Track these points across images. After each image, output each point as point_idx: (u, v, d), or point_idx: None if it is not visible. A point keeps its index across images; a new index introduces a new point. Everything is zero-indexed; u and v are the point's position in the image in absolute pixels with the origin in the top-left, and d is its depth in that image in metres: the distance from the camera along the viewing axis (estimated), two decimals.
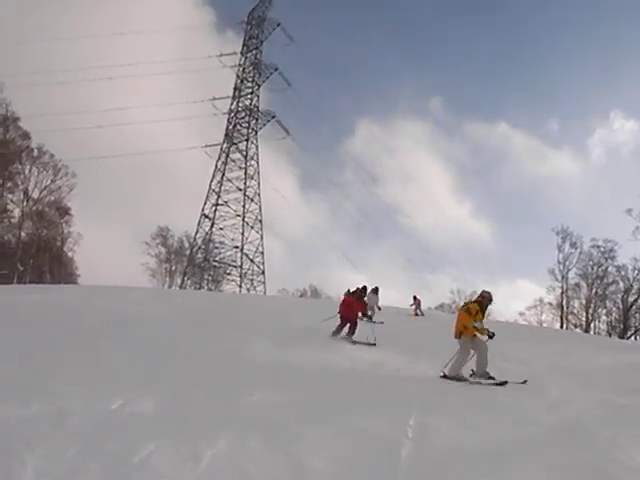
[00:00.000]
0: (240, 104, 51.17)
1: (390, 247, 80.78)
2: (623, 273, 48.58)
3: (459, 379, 7.62)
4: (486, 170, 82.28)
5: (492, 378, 7.66)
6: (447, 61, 79.38)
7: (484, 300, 8.17)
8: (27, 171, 46.36)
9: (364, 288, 13.35)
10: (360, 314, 12.42)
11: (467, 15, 78.26)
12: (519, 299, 69.33)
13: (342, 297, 13.15)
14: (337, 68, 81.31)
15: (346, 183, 75.76)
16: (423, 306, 25.06)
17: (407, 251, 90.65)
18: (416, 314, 22.87)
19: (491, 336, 7.65)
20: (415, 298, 23.56)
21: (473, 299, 8.69)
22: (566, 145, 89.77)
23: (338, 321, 11.77)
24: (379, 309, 18.45)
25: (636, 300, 48.90)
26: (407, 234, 78.21)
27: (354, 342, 11.17)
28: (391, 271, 71.26)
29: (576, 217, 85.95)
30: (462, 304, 10.32)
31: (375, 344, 10.97)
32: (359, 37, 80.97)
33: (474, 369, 7.91)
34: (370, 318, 16.10)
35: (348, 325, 11.72)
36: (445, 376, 7.72)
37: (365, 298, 18.42)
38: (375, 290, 18.94)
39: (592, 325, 49.65)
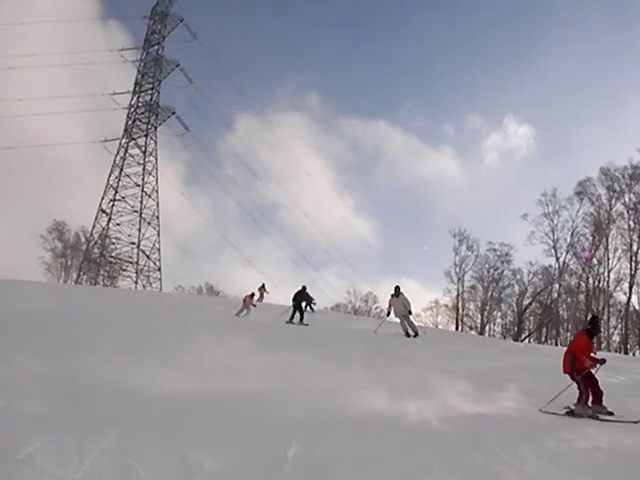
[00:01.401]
0: (140, 99, 50.69)
1: (275, 244, 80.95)
2: (518, 277, 48.76)
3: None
4: (367, 168, 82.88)
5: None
6: (337, 61, 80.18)
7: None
8: None
9: (594, 320, 7.55)
10: None
11: (352, 22, 78.43)
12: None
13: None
14: (232, 65, 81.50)
15: (231, 179, 75.47)
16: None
17: (291, 247, 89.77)
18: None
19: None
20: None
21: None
22: (458, 147, 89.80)
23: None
24: (410, 313, 14.23)
25: (530, 303, 48.84)
26: (291, 230, 77.80)
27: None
28: (277, 268, 70.92)
29: (466, 220, 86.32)
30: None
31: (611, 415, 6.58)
32: (248, 36, 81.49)
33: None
34: None
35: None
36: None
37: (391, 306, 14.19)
38: (397, 291, 14.18)
39: (487, 327, 49.55)
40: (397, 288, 14.22)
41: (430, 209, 78.28)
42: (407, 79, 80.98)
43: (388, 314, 14.81)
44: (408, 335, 14.15)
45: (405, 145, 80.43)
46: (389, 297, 14.42)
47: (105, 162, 50.89)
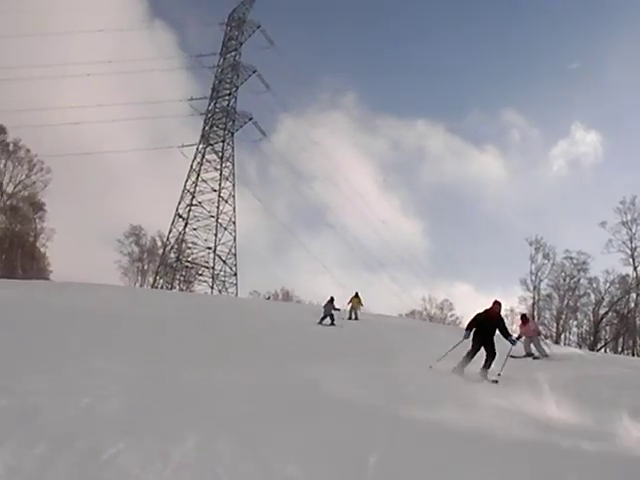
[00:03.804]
0: (217, 105, 51.18)
1: (334, 244, 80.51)
2: (595, 285, 48.42)
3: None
4: (410, 168, 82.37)
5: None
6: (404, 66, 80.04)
7: None
8: (2, 165, 46.50)
9: None
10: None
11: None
12: (459, 303, 66.21)
13: None
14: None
15: (295, 181, 75.14)
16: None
17: (346, 250, 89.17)
18: None
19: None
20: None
21: None
22: (525, 154, 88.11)
23: None
24: None
25: (607, 313, 48.68)
26: (344, 233, 77.39)
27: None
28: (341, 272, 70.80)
29: (525, 224, 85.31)
30: None
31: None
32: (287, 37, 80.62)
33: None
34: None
35: None
36: None
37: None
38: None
39: (562, 336, 49.47)
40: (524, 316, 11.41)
41: (484, 212, 78.17)
42: (472, 83, 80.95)
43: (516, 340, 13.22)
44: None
45: (451, 147, 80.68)
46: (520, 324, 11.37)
47: (182, 167, 51.34)
